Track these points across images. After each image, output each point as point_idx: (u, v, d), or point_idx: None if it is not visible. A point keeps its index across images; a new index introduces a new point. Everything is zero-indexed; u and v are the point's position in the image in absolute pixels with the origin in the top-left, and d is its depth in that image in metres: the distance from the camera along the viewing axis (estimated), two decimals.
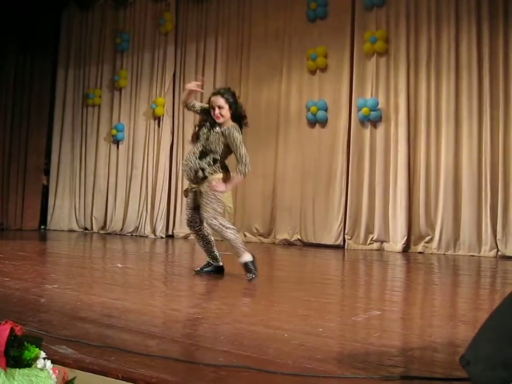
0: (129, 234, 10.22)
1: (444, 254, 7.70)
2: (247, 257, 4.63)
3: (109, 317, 3.07)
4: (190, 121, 9.94)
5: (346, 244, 8.43)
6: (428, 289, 4.84)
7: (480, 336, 1.86)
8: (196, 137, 4.88)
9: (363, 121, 8.37)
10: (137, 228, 10.21)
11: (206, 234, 4.99)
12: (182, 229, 9.86)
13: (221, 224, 4.64)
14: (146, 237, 9.88)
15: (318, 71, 8.85)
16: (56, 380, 1.44)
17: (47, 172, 11.50)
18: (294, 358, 2.27)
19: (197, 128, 4.94)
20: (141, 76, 10.56)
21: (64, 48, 11.35)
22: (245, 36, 9.64)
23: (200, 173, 4.73)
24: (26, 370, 1.37)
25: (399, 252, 7.88)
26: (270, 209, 9.19)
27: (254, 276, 4.58)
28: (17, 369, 1.37)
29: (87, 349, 2.32)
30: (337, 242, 8.48)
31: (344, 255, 7.73)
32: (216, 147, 4.72)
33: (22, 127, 10.60)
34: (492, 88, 7.52)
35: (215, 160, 4.73)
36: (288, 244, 8.84)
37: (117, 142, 10.78)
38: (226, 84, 9.63)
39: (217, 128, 4.77)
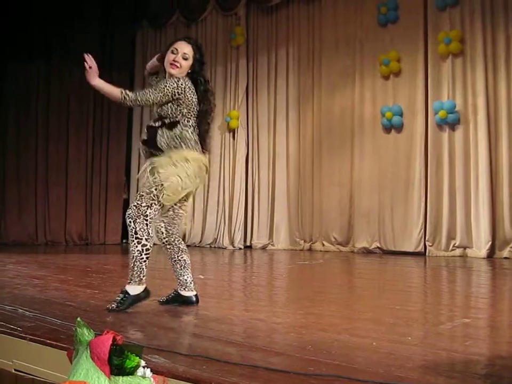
0: (208, 246, 10.36)
1: None
2: (134, 289, 3.48)
3: (195, 327, 3.14)
4: (265, 132, 10.03)
5: (427, 250, 8.20)
6: None
7: None
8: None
9: (440, 125, 8.16)
10: (215, 240, 10.33)
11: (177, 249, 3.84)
12: (259, 239, 9.93)
13: (136, 232, 3.54)
14: (225, 248, 9.99)
15: (391, 76, 8.69)
16: None
17: (127, 188, 11.83)
18: (384, 367, 2.24)
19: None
20: (215, 90, 10.66)
21: (140, 68, 11.66)
22: (316, 44, 9.62)
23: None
24: (129, 378, 1.42)
25: (484, 258, 7.60)
26: (347, 217, 9.07)
27: (116, 308, 3.42)
28: (120, 376, 1.43)
29: (178, 358, 2.38)
30: (418, 249, 8.27)
31: (425, 262, 7.55)
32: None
33: (103, 144, 10.99)
34: None
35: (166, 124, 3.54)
36: (367, 252, 8.71)
37: None
38: (299, 94, 9.69)
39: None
